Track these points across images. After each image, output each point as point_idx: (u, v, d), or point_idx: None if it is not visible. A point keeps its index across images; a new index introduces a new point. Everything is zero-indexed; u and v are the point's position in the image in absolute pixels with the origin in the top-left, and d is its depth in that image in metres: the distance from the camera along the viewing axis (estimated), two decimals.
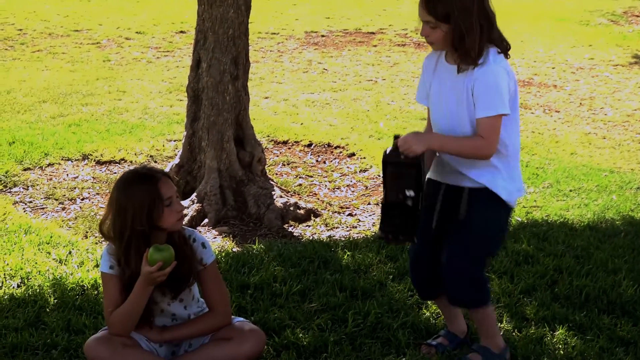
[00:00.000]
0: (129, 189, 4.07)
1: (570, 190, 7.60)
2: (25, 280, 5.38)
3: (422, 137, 4.09)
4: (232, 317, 4.40)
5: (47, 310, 4.97)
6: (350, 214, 7.10)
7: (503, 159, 4.19)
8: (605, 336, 4.71)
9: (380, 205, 4.13)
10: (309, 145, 8.93)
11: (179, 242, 4.16)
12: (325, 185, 7.82)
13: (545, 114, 10.73)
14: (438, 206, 4.25)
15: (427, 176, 4.33)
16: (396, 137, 4.09)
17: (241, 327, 4.31)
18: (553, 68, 13.33)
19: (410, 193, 4.04)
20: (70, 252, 5.90)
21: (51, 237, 6.18)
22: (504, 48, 4.12)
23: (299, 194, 7.54)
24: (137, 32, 15.20)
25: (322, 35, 15.38)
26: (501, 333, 4.62)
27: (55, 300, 5.09)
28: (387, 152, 4.10)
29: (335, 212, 7.13)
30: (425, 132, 4.19)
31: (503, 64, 4.08)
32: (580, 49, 14.67)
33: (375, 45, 14.69)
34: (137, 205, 4.02)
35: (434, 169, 4.33)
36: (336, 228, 6.75)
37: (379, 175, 8.00)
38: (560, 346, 4.58)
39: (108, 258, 4.16)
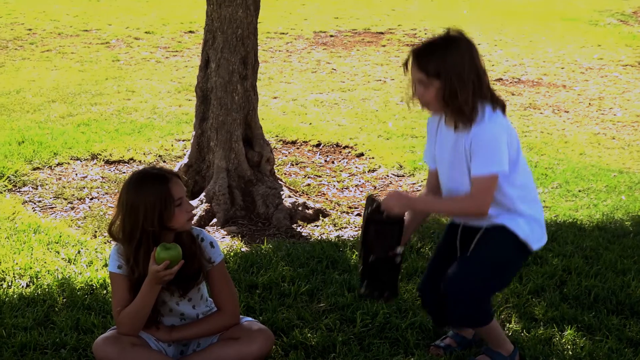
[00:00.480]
0: (139, 190, 4.07)
1: (579, 191, 7.59)
2: (35, 280, 5.40)
3: (404, 199, 4.06)
4: (241, 316, 4.40)
5: (56, 309, 4.98)
6: (358, 214, 7.10)
7: (525, 204, 4.14)
8: (614, 337, 4.70)
9: (361, 263, 4.08)
10: (318, 145, 8.94)
11: (187, 241, 4.16)
12: (334, 185, 7.82)
13: (555, 114, 10.71)
14: (458, 248, 4.21)
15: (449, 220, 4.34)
16: (370, 197, 4.07)
17: (249, 327, 4.31)
18: (562, 68, 13.31)
19: (399, 250, 4.03)
20: (79, 252, 5.91)
21: (60, 236, 6.19)
22: (499, 105, 4.07)
23: (307, 194, 7.54)
24: (146, 32, 15.22)
25: (331, 35, 15.38)
26: (510, 333, 4.62)
27: (64, 300, 5.10)
28: (369, 211, 4.06)
29: (344, 212, 7.13)
30: (408, 194, 4.11)
31: (500, 120, 4.02)
32: (589, 49, 14.65)
33: (384, 45, 14.69)
34: (148, 205, 4.02)
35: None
36: (344, 228, 6.75)
37: (388, 175, 8.00)
38: (569, 347, 4.58)
39: (116, 258, 4.17)
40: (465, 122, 3.98)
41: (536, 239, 4.17)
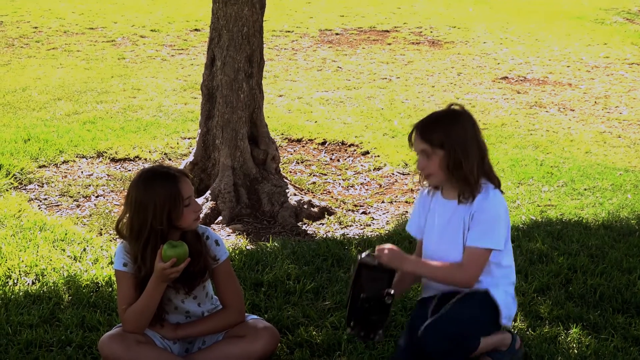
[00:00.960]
0: (149, 188, 4.06)
1: (585, 189, 7.58)
2: (40, 277, 5.40)
3: (398, 257, 4.05)
4: (246, 314, 4.41)
5: (62, 307, 4.99)
6: (364, 212, 7.10)
7: (507, 285, 4.18)
8: (620, 335, 4.69)
9: (348, 304, 4.10)
10: (323, 143, 8.94)
11: (192, 239, 4.16)
12: (339, 183, 7.82)
13: (560, 112, 10.70)
14: (429, 316, 4.16)
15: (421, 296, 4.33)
16: (360, 253, 4.11)
17: (255, 325, 4.32)
18: (568, 66, 13.29)
19: (391, 291, 4.06)
20: (84, 250, 5.92)
21: (66, 234, 6.20)
22: (497, 182, 4.13)
23: (312, 192, 7.54)
24: (151, 30, 15.23)
25: (337, 34, 15.37)
26: (515, 332, 4.61)
27: (70, 297, 5.11)
28: (362, 256, 4.12)
29: (349, 210, 7.13)
30: (402, 253, 4.11)
31: (501, 199, 4.10)
32: (595, 48, 14.62)
33: (389, 44, 14.68)
34: (157, 204, 4.02)
35: (426, 286, 4.29)
36: (350, 226, 6.75)
37: (393, 174, 8.00)
38: (574, 345, 4.57)
39: (122, 255, 4.17)
40: (469, 193, 4.05)
41: (507, 316, 4.19)
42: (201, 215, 6.64)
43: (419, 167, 4.14)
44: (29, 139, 8.70)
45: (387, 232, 6.49)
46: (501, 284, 4.15)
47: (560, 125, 10.05)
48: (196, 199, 4.18)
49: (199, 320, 4.31)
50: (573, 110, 10.83)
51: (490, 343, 4.17)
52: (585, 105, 11.07)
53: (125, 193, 4.22)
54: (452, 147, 4.00)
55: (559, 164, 8.36)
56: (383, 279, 4.09)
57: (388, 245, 4.06)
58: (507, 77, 12.59)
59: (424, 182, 4.21)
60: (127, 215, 4.10)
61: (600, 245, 5.98)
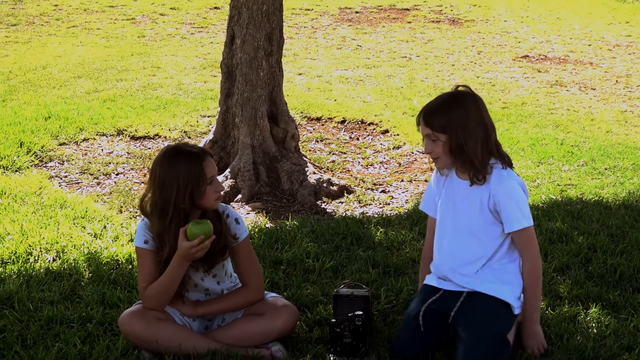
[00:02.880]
0: (173, 166, 4.07)
1: (606, 169, 7.55)
2: (61, 254, 5.43)
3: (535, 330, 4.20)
4: (265, 292, 4.42)
5: (82, 283, 5.02)
6: (383, 191, 7.09)
7: (518, 273, 4.24)
8: None
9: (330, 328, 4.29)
10: (343, 121, 8.93)
11: (213, 218, 4.17)
12: (359, 162, 7.81)
13: (581, 91, 10.64)
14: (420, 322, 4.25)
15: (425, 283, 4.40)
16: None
17: (274, 303, 4.33)
18: (589, 45, 13.20)
19: (358, 313, 4.23)
20: (105, 227, 5.95)
21: (86, 211, 6.23)
22: (507, 161, 4.18)
23: (332, 171, 7.54)
24: (171, 8, 15.23)
25: (356, 12, 15.32)
26: None
27: (90, 274, 5.14)
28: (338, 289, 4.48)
29: (369, 188, 7.13)
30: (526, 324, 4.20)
31: (514, 176, 4.16)
32: (617, 26, 14.51)
33: (409, 22, 14.62)
34: (181, 183, 4.03)
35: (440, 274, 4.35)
36: (369, 205, 6.75)
37: (413, 152, 7.99)
38: (593, 324, 4.56)
39: (143, 233, 4.18)
40: (478, 174, 4.11)
41: (518, 306, 4.23)
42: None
43: (426, 151, 4.22)
44: (50, 117, 8.73)
45: (406, 210, 6.48)
46: (505, 281, 4.21)
47: (581, 104, 10.00)
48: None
49: (218, 298, 4.32)
50: (594, 89, 10.77)
51: (513, 333, 4.25)
52: (607, 84, 11.00)
53: (148, 170, 4.24)
54: (454, 130, 4.08)
55: (579, 143, 8.32)
56: (357, 304, 4.31)
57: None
58: (527, 56, 12.52)
59: (434, 166, 4.28)
60: (151, 192, 4.11)
61: (620, 225, 5.96)
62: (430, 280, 4.38)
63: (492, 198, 4.12)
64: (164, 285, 4.13)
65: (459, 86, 4.22)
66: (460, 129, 4.07)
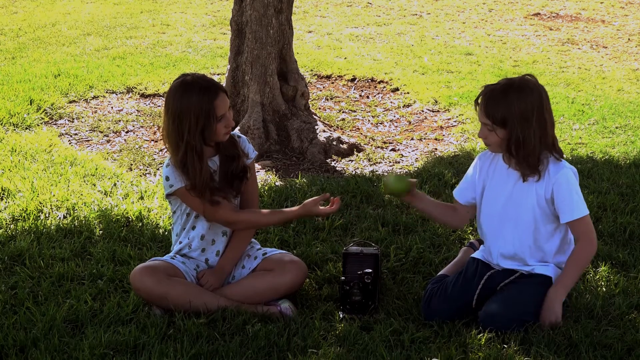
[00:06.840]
0: (185, 99, 4.11)
1: (616, 127, 7.52)
2: (71, 212, 5.46)
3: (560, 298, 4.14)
4: (272, 249, 4.48)
5: (93, 241, 5.04)
6: (393, 149, 7.08)
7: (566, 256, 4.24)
8: None
9: (340, 286, 4.31)
10: (353, 79, 8.90)
11: (228, 144, 4.26)
12: (369, 120, 7.80)
13: (593, 49, 10.57)
14: (480, 284, 4.24)
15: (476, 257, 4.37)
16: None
17: (282, 259, 4.36)
18: (601, 3, 13.09)
19: (368, 271, 4.26)
20: (115, 184, 5.96)
21: (96, 169, 6.25)
22: (560, 154, 4.13)
23: (342, 129, 7.53)
24: None
25: None
26: None
27: (101, 232, 5.16)
28: (347, 247, 4.56)
29: (378, 147, 7.12)
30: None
31: (568, 165, 4.13)
32: None
33: None
34: (192, 120, 4.09)
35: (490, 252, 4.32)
36: (379, 163, 6.74)
37: (423, 111, 7.97)
38: (602, 283, 4.57)
39: (175, 175, 4.21)
40: (532, 171, 4.07)
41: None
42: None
43: (480, 136, 4.15)
44: (59, 74, 8.73)
45: (415, 169, 6.48)
46: (561, 260, 4.22)
47: (592, 63, 9.94)
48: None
49: (228, 249, 4.36)
50: (606, 47, 10.69)
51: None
52: (619, 43, 10.92)
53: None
54: (513, 127, 3.99)
55: (590, 102, 8.29)
56: (366, 263, 4.35)
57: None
58: (539, 14, 12.43)
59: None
60: (164, 122, 4.19)
61: (630, 184, 5.95)
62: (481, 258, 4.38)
63: (548, 189, 4.08)
64: (263, 224, 4.60)
65: (526, 75, 4.11)
66: (520, 128, 3.98)
